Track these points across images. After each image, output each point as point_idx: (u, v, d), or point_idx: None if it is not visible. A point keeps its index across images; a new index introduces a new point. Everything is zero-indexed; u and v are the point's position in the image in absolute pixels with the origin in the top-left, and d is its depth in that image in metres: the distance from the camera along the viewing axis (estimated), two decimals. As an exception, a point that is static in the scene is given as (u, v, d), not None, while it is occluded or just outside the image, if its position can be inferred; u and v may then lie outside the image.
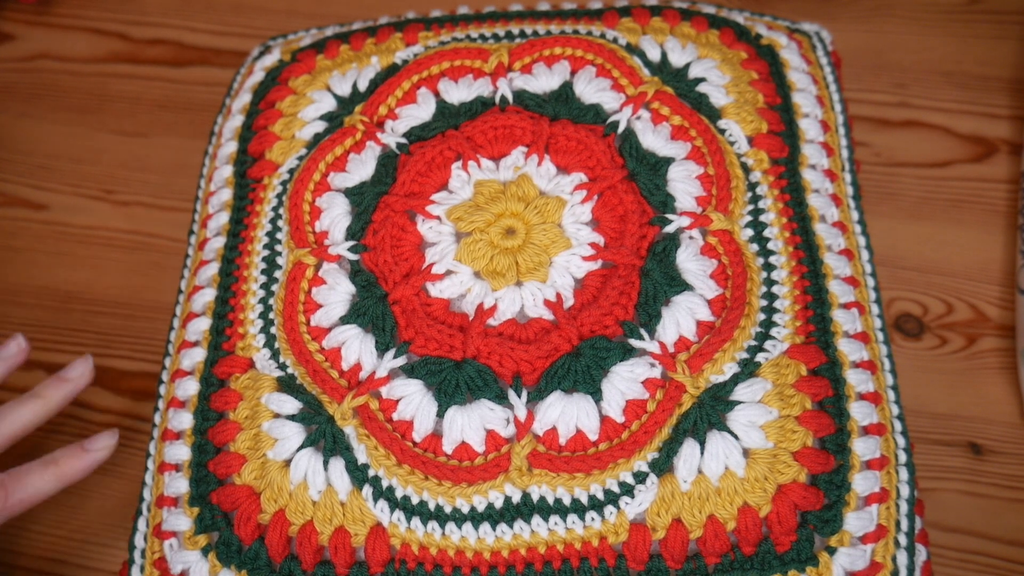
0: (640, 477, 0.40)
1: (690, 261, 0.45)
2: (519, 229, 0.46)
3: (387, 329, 0.44)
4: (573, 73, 0.51)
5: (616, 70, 0.51)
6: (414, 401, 0.42)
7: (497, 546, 0.41)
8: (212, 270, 0.49)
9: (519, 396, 0.42)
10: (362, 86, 0.53)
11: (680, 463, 0.41)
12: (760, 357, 0.43)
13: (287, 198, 0.49)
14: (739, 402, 0.42)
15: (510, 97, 0.50)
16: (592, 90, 0.50)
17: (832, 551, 0.40)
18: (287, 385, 0.44)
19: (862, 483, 0.41)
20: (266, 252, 0.49)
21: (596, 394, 0.42)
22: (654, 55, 0.52)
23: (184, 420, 0.45)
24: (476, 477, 0.41)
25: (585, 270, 0.46)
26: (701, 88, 0.50)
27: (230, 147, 0.53)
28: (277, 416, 0.43)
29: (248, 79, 0.56)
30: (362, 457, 0.42)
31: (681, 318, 0.43)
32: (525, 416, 0.42)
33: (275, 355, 0.45)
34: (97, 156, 0.73)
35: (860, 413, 0.43)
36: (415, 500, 0.41)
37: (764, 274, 0.45)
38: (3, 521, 0.49)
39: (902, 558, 0.41)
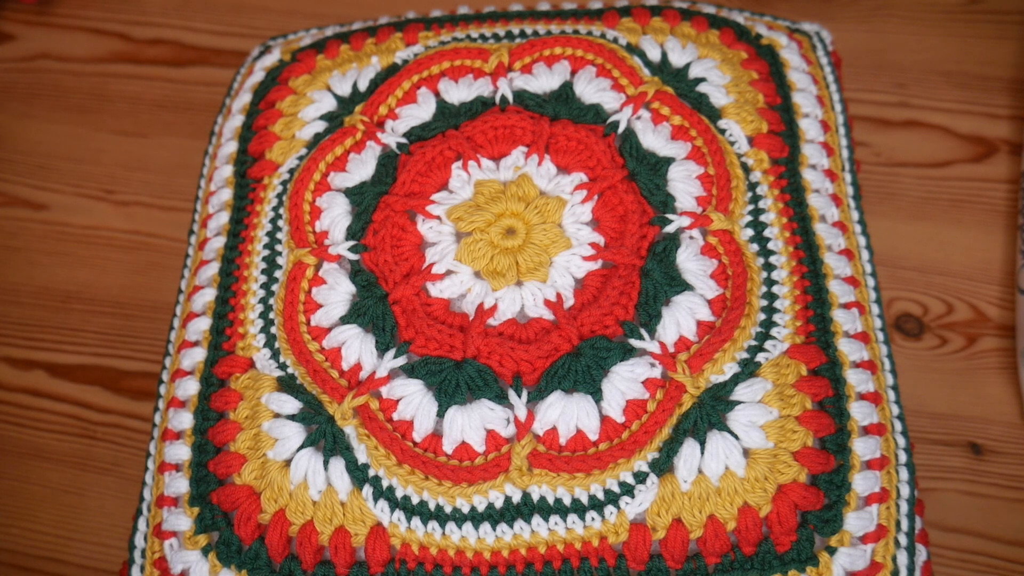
0: (640, 477, 0.41)
1: (690, 261, 0.45)
2: (519, 229, 0.46)
3: (387, 329, 0.44)
4: (573, 73, 0.51)
5: (616, 70, 0.51)
6: (414, 401, 0.42)
7: (497, 546, 0.41)
8: (212, 270, 0.49)
9: (519, 396, 0.42)
10: (362, 86, 0.53)
11: (680, 463, 0.41)
12: (760, 357, 0.43)
13: (287, 198, 0.49)
14: (739, 402, 0.42)
15: (510, 97, 0.50)
16: (592, 90, 0.50)
17: (832, 551, 0.40)
18: (287, 385, 0.44)
19: (862, 483, 0.41)
20: (266, 252, 0.49)
21: (596, 394, 0.42)
22: (654, 55, 0.52)
23: (184, 420, 0.45)
24: (476, 477, 0.41)
25: (585, 270, 0.46)
26: (701, 88, 0.50)
27: (230, 147, 0.53)
28: (277, 416, 0.43)
29: (248, 79, 0.56)
30: (362, 457, 0.42)
31: (681, 318, 0.43)
32: (525, 416, 0.42)
33: (275, 355, 0.45)
34: (97, 156, 0.73)
35: (860, 413, 0.43)
36: (415, 500, 0.41)
37: (764, 274, 0.45)
38: None
39: (902, 558, 0.41)
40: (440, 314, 0.45)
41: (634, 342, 0.43)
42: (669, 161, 0.48)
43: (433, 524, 0.41)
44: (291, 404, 0.43)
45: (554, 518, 0.40)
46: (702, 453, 0.41)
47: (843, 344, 0.44)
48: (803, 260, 0.46)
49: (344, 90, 0.53)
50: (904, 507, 0.42)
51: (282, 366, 0.45)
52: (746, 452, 0.41)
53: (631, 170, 0.48)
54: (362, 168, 0.50)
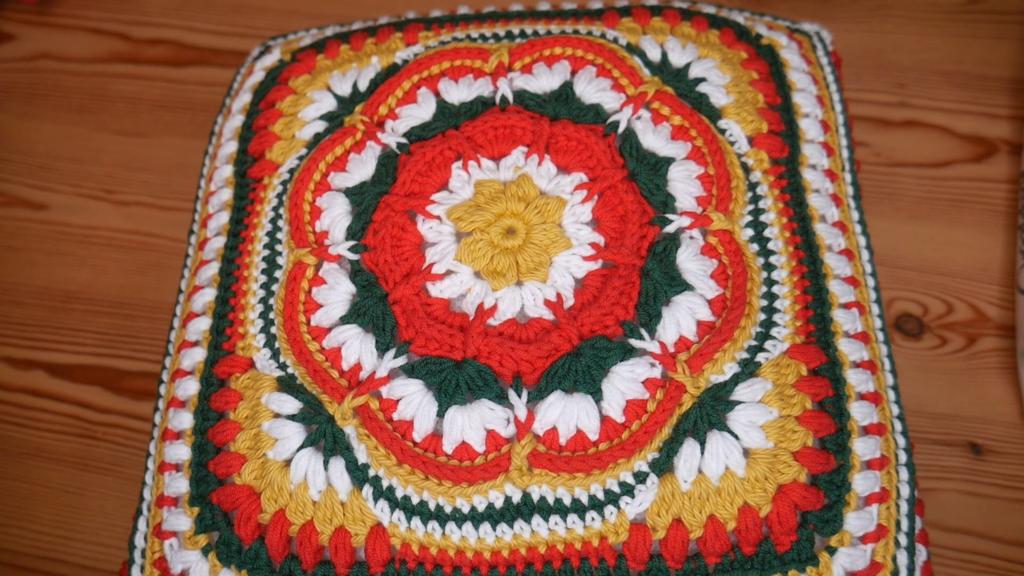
0: (640, 477, 0.41)
1: (690, 261, 0.45)
2: (519, 229, 0.46)
3: (387, 329, 0.44)
4: (573, 73, 0.51)
5: (616, 70, 0.51)
6: (414, 401, 0.42)
7: (497, 546, 0.41)
8: (212, 270, 0.49)
9: (519, 396, 0.42)
10: (362, 86, 0.53)
11: (680, 463, 0.41)
12: (760, 357, 0.43)
13: (287, 198, 0.49)
14: (739, 402, 0.42)
15: (510, 97, 0.50)
16: (592, 90, 0.50)
17: (832, 551, 0.40)
18: (287, 385, 0.44)
19: (862, 483, 0.41)
20: (266, 252, 0.49)
21: (596, 394, 0.42)
22: (654, 55, 0.52)
23: (184, 420, 0.45)
24: (476, 477, 0.41)
25: (585, 270, 0.46)
26: (701, 88, 0.50)
27: (230, 147, 0.53)
28: (277, 416, 0.43)
29: (248, 79, 0.56)
30: (362, 457, 0.42)
31: (681, 318, 0.43)
32: (525, 416, 0.42)
33: (275, 355, 0.45)
34: (97, 156, 0.73)
35: (860, 413, 0.43)
36: (415, 500, 0.41)
37: (764, 274, 0.45)
38: None
39: (902, 558, 0.41)
40: (440, 314, 0.45)
41: (634, 342, 0.43)
42: (669, 161, 0.48)
43: (433, 524, 0.41)
44: (291, 404, 0.43)
45: (554, 518, 0.40)
46: (702, 453, 0.41)
47: (843, 344, 0.44)
48: (803, 260, 0.46)
49: (344, 90, 0.53)
50: (904, 507, 0.42)
51: (282, 366, 0.45)
52: (746, 452, 0.41)
53: (631, 170, 0.48)
54: (362, 168, 0.50)
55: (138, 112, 0.75)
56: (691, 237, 0.46)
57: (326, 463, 0.42)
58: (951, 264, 0.63)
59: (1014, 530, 0.55)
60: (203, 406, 0.45)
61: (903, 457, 0.44)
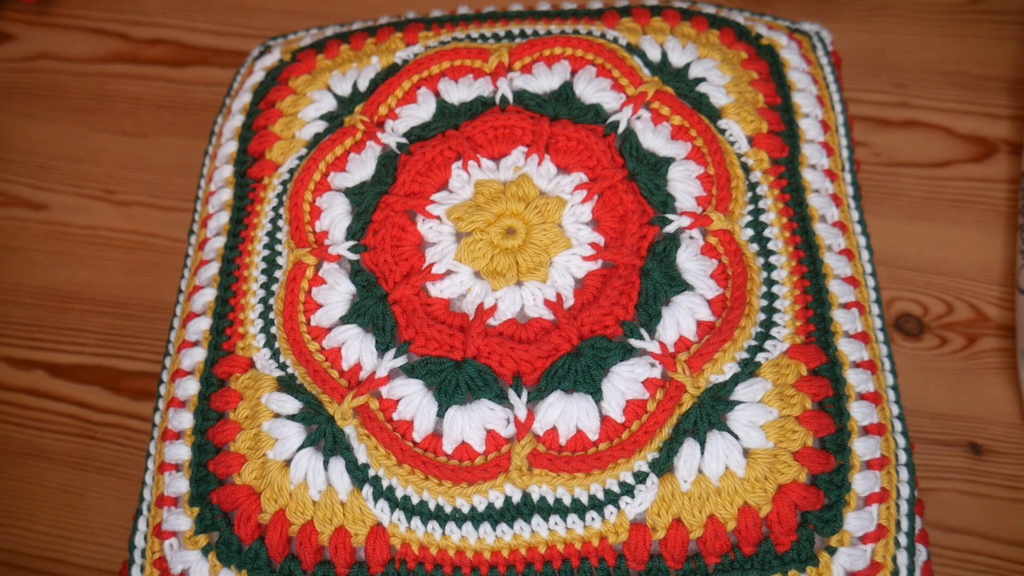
0: (640, 477, 0.41)
1: (690, 261, 0.45)
2: (519, 229, 0.46)
3: (387, 329, 0.44)
4: (573, 73, 0.51)
5: (616, 70, 0.51)
6: (414, 401, 0.42)
7: (497, 546, 0.41)
8: (212, 270, 0.49)
9: (519, 396, 0.42)
10: (362, 86, 0.53)
11: (680, 463, 0.41)
12: (760, 357, 0.43)
13: (287, 198, 0.49)
14: (739, 402, 0.42)
15: (510, 97, 0.50)
16: (592, 90, 0.50)
17: (832, 551, 0.40)
18: (287, 385, 0.44)
19: (862, 483, 0.41)
20: (266, 252, 0.49)
21: (596, 394, 0.42)
22: (654, 55, 0.52)
23: (184, 420, 0.45)
24: (476, 477, 0.41)
25: (585, 270, 0.46)
26: (701, 88, 0.50)
27: (230, 147, 0.53)
28: (277, 416, 0.43)
29: (248, 79, 0.56)
30: (362, 457, 0.42)
31: (681, 318, 0.43)
32: (525, 416, 0.42)
33: (275, 355, 0.45)
34: (97, 156, 0.73)
35: (860, 413, 0.43)
36: (415, 500, 0.41)
37: (764, 274, 0.45)
38: None
39: (902, 558, 0.41)
40: (440, 314, 0.45)
41: (634, 342, 0.43)
42: (669, 161, 0.48)
43: (433, 524, 0.41)
44: (291, 404, 0.43)
45: (554, 518, 0.40)
46: (702, 453, 0.41)
47: (843, 344, 0.44)
48: (803, 260, 0.46)
49: (344, 90, 0.53)
50: (904, 507, 0.42)
51: (282, 366, 0.45)
52: (746, 452, 0.41)
53: (631, 170, 0.48)
54: (362, 168, 0.50)
55: (138, 112, 0.75)
56: (691, 237, 0.46)
57: (326, 463, 0.42)
58: (951, 264, 0.63)
59: (1014, 530, 0.55)
60: (203, 406, 0.45)
61: (903, 457, 0.44)
